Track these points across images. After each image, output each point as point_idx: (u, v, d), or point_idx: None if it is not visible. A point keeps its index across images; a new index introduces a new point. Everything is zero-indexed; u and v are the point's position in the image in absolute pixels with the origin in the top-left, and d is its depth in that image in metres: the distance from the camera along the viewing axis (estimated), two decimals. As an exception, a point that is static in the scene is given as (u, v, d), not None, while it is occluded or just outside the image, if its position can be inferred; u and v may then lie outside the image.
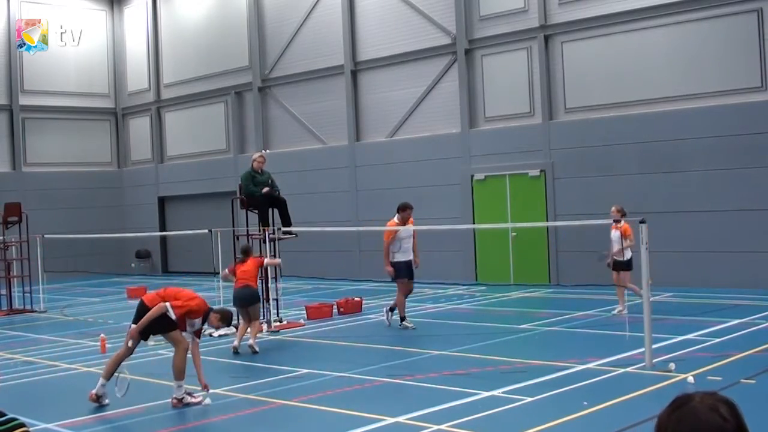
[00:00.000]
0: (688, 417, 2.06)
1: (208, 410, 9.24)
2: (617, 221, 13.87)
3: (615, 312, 14.59)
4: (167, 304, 9.50)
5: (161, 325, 9.53)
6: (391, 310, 14.52)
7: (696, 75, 18.13)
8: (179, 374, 9.45)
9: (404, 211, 14.37)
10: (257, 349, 12.59)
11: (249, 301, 12.98)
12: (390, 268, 14.20)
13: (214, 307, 10.43)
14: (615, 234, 14.58)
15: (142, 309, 9.59)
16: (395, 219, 14.46)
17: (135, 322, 9.60)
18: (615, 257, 14.50)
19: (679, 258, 17.95)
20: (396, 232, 14.14)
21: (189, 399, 9.48)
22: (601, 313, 14.98)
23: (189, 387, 9.59)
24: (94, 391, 9.48)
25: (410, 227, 14.36)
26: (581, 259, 18.49)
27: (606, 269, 14.87)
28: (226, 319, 10.33)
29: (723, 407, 2.07)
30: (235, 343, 12.73)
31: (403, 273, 14.22)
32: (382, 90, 23.60)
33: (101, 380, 9.52)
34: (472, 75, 21.66)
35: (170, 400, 9.49)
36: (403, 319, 14.25)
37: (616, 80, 19.19)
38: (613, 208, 14.47)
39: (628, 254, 14.54)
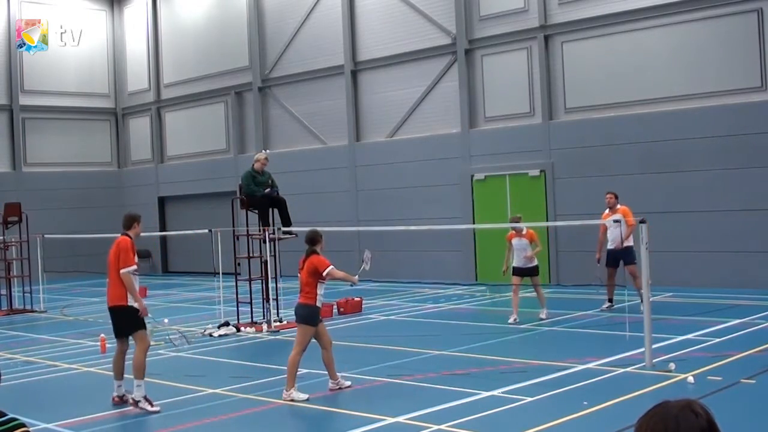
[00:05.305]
0: (663, 412, 2.20)
1: (209, 410, 9.24)
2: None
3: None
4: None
5: None
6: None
7: (696, 75, 18.13)
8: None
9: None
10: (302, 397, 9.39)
11: (301, 320, 9.98)
12: (598, 255, 15.33)
13: None
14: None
15: None
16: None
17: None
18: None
19: (679, 258, 17.95)
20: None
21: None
22: (601, 313, 14.99)
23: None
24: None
25: (612, 217, 14.64)
26: (581, 259, 18.48)
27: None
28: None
29: (696, 406, 2.20)
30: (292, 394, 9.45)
31: (607, 262, 15.23)
32: (382, 90, 23.60)
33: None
34: (472, 75, 21.65)
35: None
36: (609, 300, 15.36)
37: (616, 80, 19.19)
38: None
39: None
